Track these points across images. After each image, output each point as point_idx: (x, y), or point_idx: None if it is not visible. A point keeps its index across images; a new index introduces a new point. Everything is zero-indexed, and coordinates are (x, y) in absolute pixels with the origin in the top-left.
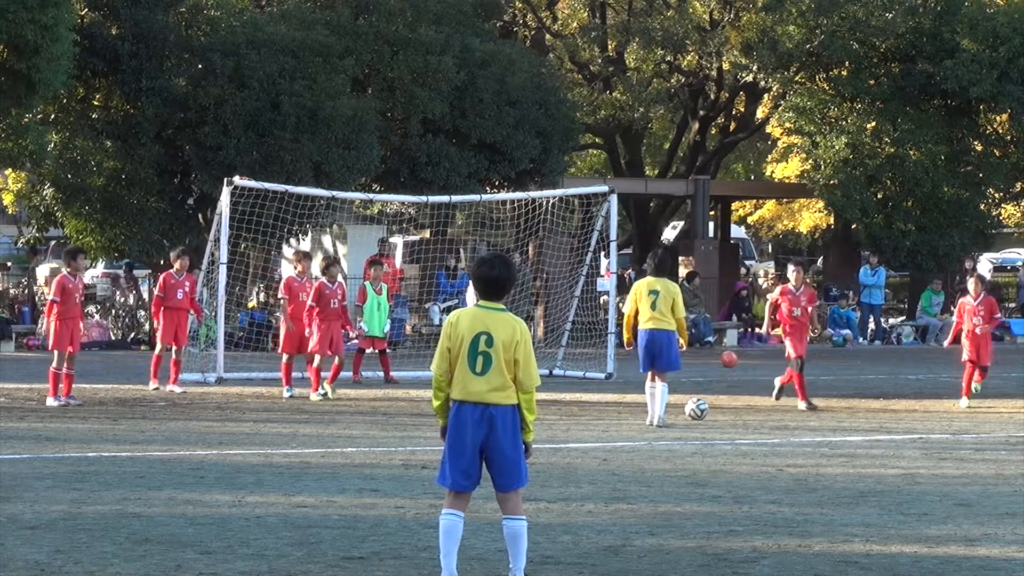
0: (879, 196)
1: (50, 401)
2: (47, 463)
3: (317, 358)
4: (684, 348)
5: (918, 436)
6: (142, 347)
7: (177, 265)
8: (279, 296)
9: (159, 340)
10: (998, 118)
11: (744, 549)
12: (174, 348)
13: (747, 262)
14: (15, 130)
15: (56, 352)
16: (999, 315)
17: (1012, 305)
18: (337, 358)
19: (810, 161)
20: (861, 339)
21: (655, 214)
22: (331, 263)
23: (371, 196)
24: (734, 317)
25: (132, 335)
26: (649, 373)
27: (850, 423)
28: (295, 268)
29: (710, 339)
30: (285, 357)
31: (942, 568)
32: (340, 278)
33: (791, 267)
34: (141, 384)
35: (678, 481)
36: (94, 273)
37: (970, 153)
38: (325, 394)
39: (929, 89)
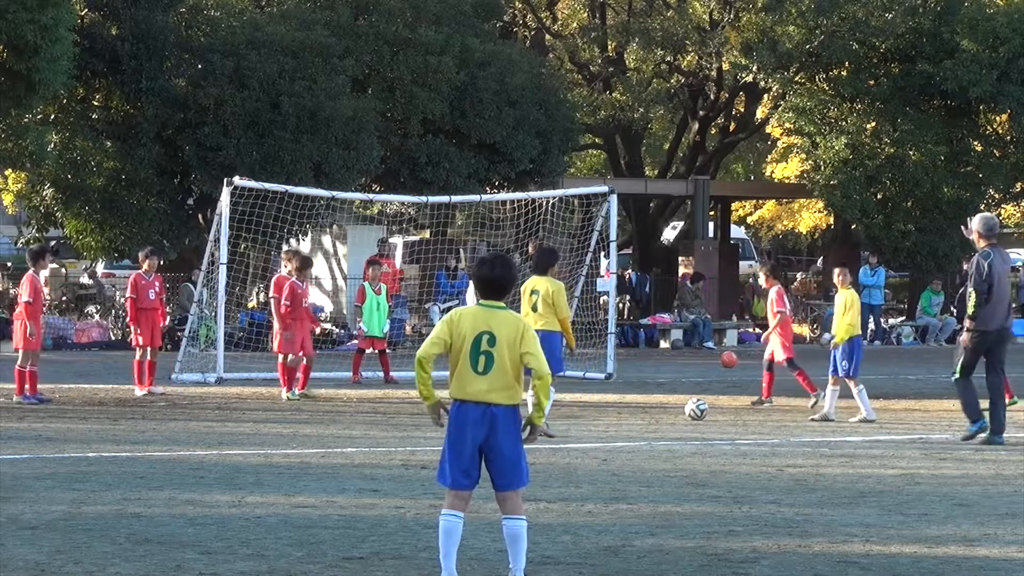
0: (879, 196)
1: (21, 399)
2: (47, 463)
3: (286, 357)
4: (573, 352)
5: (918, 436)
6: None
7: (145, 266)
8: (283, 300)
9: (139, 344)
10: (998, 118)
11: (744, 549)
12: (149, 349)
13: (750, 262)
14: (15, 130)
15: (32, 352)
16: None
17: (1012, 305)
18: (306, 359)
19: (810, 161)
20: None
21: (655, 214)
22: (305, 264)
23: (371, 196)
24: (734, 317)
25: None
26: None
27: (850, 423)
28: (284, 268)
29: (710, 343)
30: (282, 358)
31: (942, 568)
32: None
33: (762, 269)
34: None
35: (678, 481)
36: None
37: (970, 153)
38: (301, 396)
39: (929, 89)
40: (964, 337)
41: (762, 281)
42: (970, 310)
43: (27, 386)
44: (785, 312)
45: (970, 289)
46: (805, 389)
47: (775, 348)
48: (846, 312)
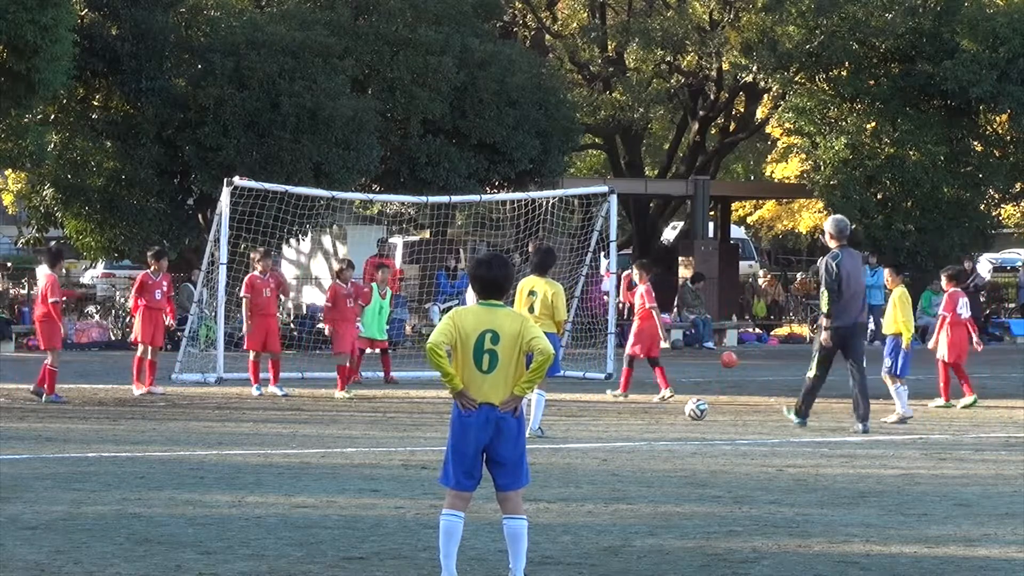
0: (879, 196)
1: (50, 398)
2: (47, 463)
3: (252, 354)
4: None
5: (918, 436)
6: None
7: (154, 266)
8: (242, 295)
9: (139, 341)
10: (998, 118)
11: (744, 549)
12: (150, 349)
13: (750, 262)
14: (15, 130)
15: (55, 352)
16: None
17: (1012, 305)
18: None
19: (810, 161)
20: None
21: (655, 214)
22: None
23: (371, 196)
24: (734, 317)
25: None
26: None
27: (850, 423)
28: (255, 268)
29: (710, 343)
30: (252, 355)
31: (942, 568)
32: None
33: (635, 265)
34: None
35: (678, 481)
36: (94, 273)
37: (970, 153)
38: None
39: (929, 89)
40: (824, 336)
41: (636, 278)
42: (824, 308)
43: (48, 385)
44: (655, 306)
45: (823, 289)
46: (622, 384)
47: (631, 341)
48: (891, 311)
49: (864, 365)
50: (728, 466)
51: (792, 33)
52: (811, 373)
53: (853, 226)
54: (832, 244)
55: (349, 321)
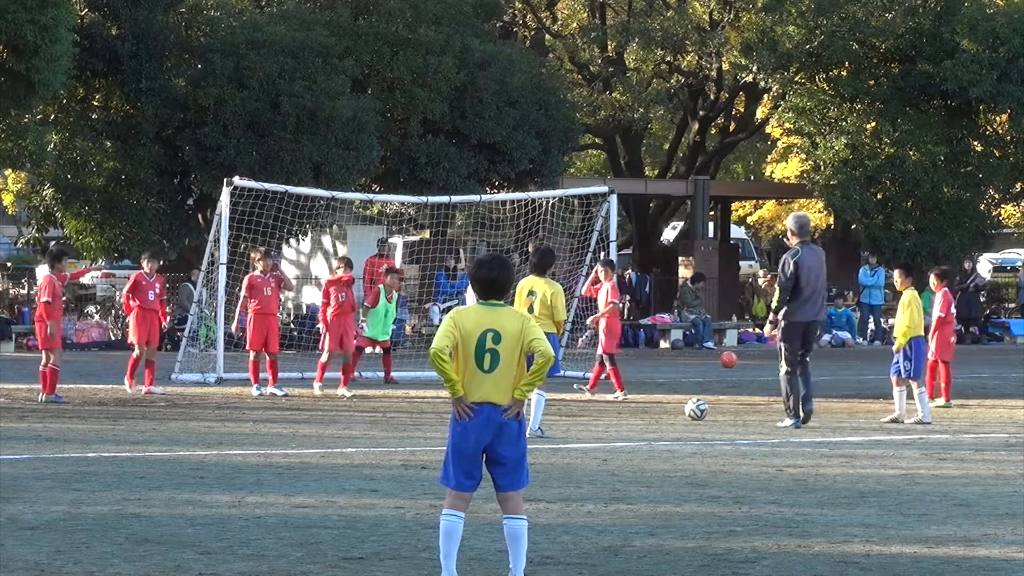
0: (879, 197)
1: (47, 397)
2: (47, 463)
3: (252, 353)
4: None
5: (918, 436)
6: None
7: (147, 267)
8: (242, 293)
9: (135, 342)
10: (998, 118)
11: (744, 549)
12: (147, 349)
13: (750, 262)
14: (15, 130)
15: (56, 351)
16: None
17: (1012, 305)
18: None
19: (810, 162)
20: (860, 339)
21: (655, 214)
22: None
23: (371, 196)
24: (734, 317)
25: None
26: None
27: (850, 423)
28: (256, 267)
29: (710, 343)
30: (252, 355)
31: (942, 568)
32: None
33: (600, 265)
34: (137, 385)
35: (678, 481)
36: (94, 273)
37: (970, 153)
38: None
39: (929, 89)
40: (769, 329)
41: (601, 276)
42: (773, 305)
43: (49, 384)
44: (617, 304)
45: (776, 285)
46: (616, 383)
47: (601, 340)
48: (903, 313)
49: (808, 362)
50: (728, 466)
51: (792, 33)
52: (783, 371)
53: (853, 226)
54: (794, 241)
55: (343, 316)
